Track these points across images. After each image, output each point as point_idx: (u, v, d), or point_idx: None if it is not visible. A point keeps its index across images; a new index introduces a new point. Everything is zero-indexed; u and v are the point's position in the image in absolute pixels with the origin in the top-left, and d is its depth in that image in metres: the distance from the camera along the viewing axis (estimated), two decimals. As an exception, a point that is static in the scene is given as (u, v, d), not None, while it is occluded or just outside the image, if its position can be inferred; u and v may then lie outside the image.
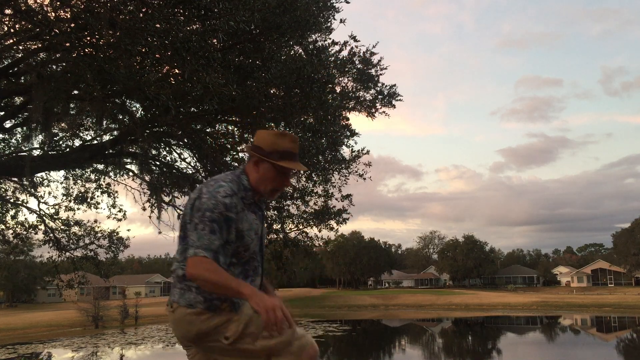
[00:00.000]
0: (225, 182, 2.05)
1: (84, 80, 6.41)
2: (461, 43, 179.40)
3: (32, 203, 12.61)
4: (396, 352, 25.01)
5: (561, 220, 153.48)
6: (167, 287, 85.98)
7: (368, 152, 10.23)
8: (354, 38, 8.96)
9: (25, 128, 9.62)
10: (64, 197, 12.36)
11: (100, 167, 11.64)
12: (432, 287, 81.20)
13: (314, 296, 64.15)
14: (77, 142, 10.75)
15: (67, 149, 10.64)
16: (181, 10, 5.89)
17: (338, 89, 9.19)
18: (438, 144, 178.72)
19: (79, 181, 12.25)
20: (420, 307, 53.79)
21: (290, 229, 11.17)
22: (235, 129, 9.99)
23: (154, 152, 10.21)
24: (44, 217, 12.28)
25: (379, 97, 9.68)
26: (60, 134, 10.64)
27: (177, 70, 6.73)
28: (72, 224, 12.49)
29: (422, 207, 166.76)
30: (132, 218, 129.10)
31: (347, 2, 8.37)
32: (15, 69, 7.58)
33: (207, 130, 9.83)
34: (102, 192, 12.34)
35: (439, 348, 26.33)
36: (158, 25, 5.61)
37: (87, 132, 10.66)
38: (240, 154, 10.39)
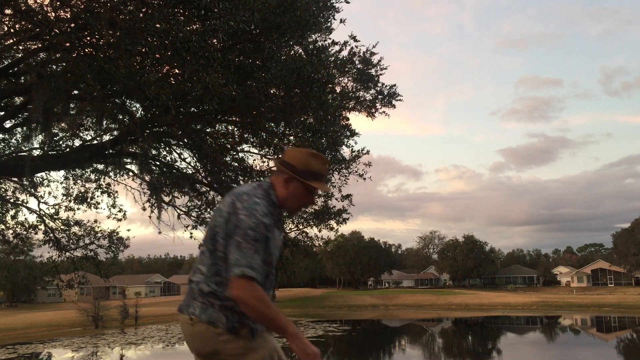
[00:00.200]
0: (259, 199, 2.03)
1: (84, 80, 6.41)
2: (461, 43, 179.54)
3: (32, 203, 12.62)
4: (396, 352, 25.01)
5: (561, 220, 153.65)
6: (167, 287, 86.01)
7: (368, 152, 10.24)
8: (354, 38, 8.97)
9: (25, 128, 9.62)
10: (64, 197, 12.36)
11: (100, 167, 11.63)
12: (432, 287, 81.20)
13: (314, 296, 64.16)
14: (77, 142, 10.76)
15: (67, 149, 10.64)
16: (181, 10, 5.88)
17: (338, 89, 9.19)
18: (438, 144, 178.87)
19: (79, 181, 12.25)
20: (420, 307, 53.79)
21: (290, 229, 11.18)
22: (235, 129, 9.99)
23: (154, 152, 10.21)
24: (44, 217, 12.28)
25: (379, 97, 9.68)
26: (60, 134, 10.64)
27: (177, 70, 6.73)
28: (72, 224, 12.49)
29: (422, 207, 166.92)
30: (132, 218, 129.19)
31: (347, 2, 8.37)
32: (15, 69, 7.58)
33: (207, 130, 9.83)
34: (102, 192, 12.33)
35: (439, 348, 26.32)
36: (158, 25, 5.61)
37: (87, 132, 10.66)
38: (240, 154, 10.40)
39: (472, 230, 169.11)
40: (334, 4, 8.33)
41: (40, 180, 11.96)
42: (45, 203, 12.24)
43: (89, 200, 12.33)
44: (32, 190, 11.79)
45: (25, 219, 13.03)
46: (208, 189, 10.83)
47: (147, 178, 10.55)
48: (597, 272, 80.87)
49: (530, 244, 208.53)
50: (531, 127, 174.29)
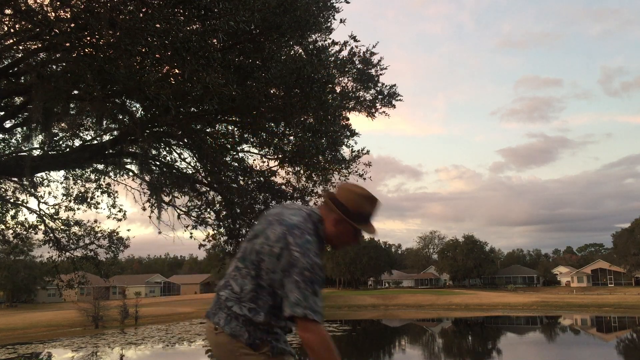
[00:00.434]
0: (310, 237, 2.03)
1: (84, 80, 6.40)
2: (461, 43, 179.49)
3: (32, 203, 12.59)
4: (396, 352, 25.02)
5: (561, 220, 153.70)
6: (167, 287, 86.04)
7: (368, 152, 10.22)
8: (354, 38, 8.96)
9: (25, 128, 9.62)
10: (64, 197, 12.36)
11: (100, 167, 11.63)
12: (432, 287, 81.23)
13: (314, 296, 63.96)
14: (77, 142, 10.75)
15: (67, 149, 10.64)
16: (181, 10, 5.88)
17: (338, 89, 9.18)
18: (438, 144, 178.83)
19: (79, 181, 12.24)
20: (420, 307, 53.80)
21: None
22: (235, 129, 9.98)
23: (154, 152, 10.20)
24: (44, 217, 12.28)
25: (379, 97, 9.67)
26: (60, 134, 10.64)
27: (177, 70, 6.73)
28: (72, 224, 12.48)
29: (422, 207, 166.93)
30: (132, 218, 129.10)
31: (347, 2, 8.36)
32: (15, 69, 7.58)
33: (207, 130, 9.83)
34: (102, 192, 12.32)
35: (439, 348, 26.33)
36: (158, 25, 5.61)
37: (87, 132, 10.65)
38: (240, 154, 10.40)
39: (472, 230, 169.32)
40: (334, 4, 8.32)
41: (40, 180, 11.96)
42: (45, 203, 12.25)
43: (89, 200, 12.32)
44: (32, 190, 11.79)
45: (25, 219, 13.02)
46: (208, 189, 10.83)
47: (147, 178, 10.55)
48: (597, 272, 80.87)
49: (530, 244, 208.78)
50: (531, 127, 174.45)
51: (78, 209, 12.43)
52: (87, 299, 39.93)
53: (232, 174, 10.22)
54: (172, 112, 6.93)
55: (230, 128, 10.08)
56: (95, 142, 10.27)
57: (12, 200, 12.18)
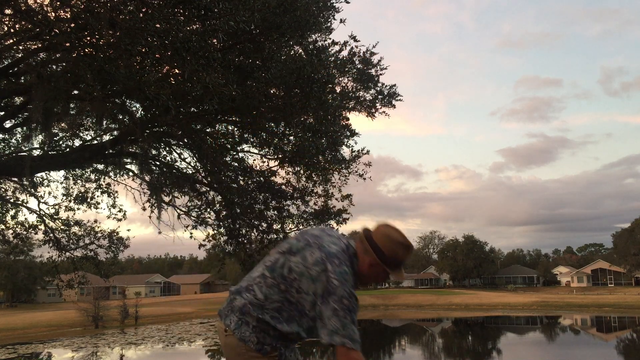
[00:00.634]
0: (347, 269, 2.09)
1: (84, 80, 6.41)
2: (461, 43, 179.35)
3: (32, 203, 12.59)
4: (396, 352, 25.02)
5: (561, 220, 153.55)
6: (167, 287, 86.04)
7: (368, 152, 10.23)
8: (354, 38, 8.96)
9: (25, 128, 9.62)
10: (64, 197, 12.35)
11: (100, 167, 11.63)
12: (432, 287, 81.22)
13: (314, 296, 64.00)
14: (77, 142, 10.75)
15: (67, 149, 10.64)
16: (181, 10, 5.88)
17: (338, 89, 9.18)
18: (438, 144, 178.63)
19: (79, 181, 12.24)
20: (420, 307, 53.81)
21: (290, 229, 11.17)
22: (235, 129, 9.99)
23: (154, 152, 10.21)
24: (44, 217, 12.27)
25: (379, 97, 9.67)
26: (60, 134, 10.64)
27: (177, 70, 6.73)
28: (72, 224, 12.48)
29: (422, 207, 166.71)
30: (132, 218, 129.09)
31: (347, 2, 8.36)
32: (15, 69, 7.58)
33: (207, 130, 9.83)
34: (102, 192, 12.32)
35: (439, 348, 26.34)
36: (158, 25, 5.61)
37: (87, 132, 10.65)
38: (240, 154, 10.41)
39: (472, 230, 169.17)
40: (334, 4, 8.32)
41: (40, 180, 11.96)
42: (45, 203, 12.25)
43: (89, 200, 12.32)
44: (32, 190, 11.80)
45: (25, 219, 13.03)
46: (208, 189, 10.84)
47: (147, 178, 10.55)
48: (597, 272, 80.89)
49: (530, 244, 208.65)
50: (531, 127, 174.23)
51: (78, 209, 12.43)
52: (87, 299, 39.94)
53: (232, 174, 10.22)
54: (172, 112, 6.93)
55: (230, 128, 10.08)
56: (95, 142, 10.28)
57: (12, 200, 12.18)
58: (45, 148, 10.35)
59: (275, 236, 10.81)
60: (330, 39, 8.70)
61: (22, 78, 7.85)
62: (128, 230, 48.83)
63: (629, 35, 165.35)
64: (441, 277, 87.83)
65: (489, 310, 47.55)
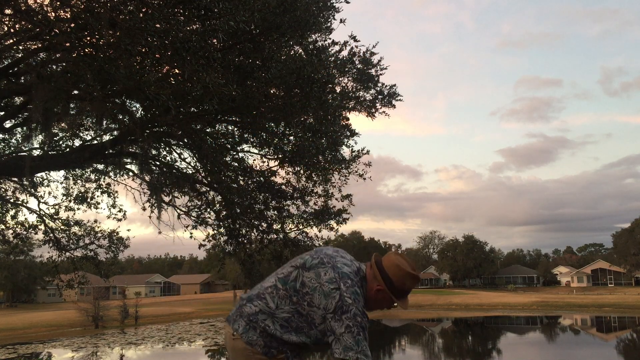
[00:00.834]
0: (358, 289, 2.16)
1: (84, 80, 6.41)
2: (461, 43, 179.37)
3: (32, 203, 12.59)
4: (396, 352, 25.01)
5: (561, 220, 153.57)
6: (167, 287, 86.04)
7: (368, 152, 10.23)
8: (354, 38, 8.95)
9: (25, 128, 9.62)
10: (64, 197, 12.36)
11: (100, 167, 11.63)
12: (432, 287, 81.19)
13: (314, 296, 63.98)
14: (77, 142, 10.75)
15: (67, 149, 10.64)
16: (181, 10, 5.88)
17: (338, 89, 9.18)
18: (438, 144, 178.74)
19: (79, 181, 12.24)
20: (420, 307, 53.78)
21: (290, 229, 11.17)
22: (235, 129, 9.99)
23: (154, 152, 10.21)
24: (44, 217, 12.27)
25: (379, 97, 9.67)
26: (60, 134, 10.64)
27: (177, 70, 6.73)
28: (72, 224, 12.48)
29: (422, 207, 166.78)
30: (132, 218, 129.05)
31: (347, 2, 8.36)
32: (15, 69, 7.58)
33: (207, 130, 9.83)
34: (102, 192, 12.33)
35: (439, 348, 26.33)
36: (158, 25, 5.61)
37: (87, 132, 10.65)
38: (240, 154, 10.40)
39: (472, 230, 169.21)
40: (334, 4, 8.32)
41: (40, 180, 11.96)
42: (45, 203, 12.25)
43: (89, 200, 12.32)
44: (32, 190, 11.80)
45: (25, 219, 13.02)
46: (208, 189, 10.84)
47: (147, 178, 10.55)
48: (597, 272, 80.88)
49: (530, 244, 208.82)
50: (531, 127, 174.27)
51: (78, 209, 12.43)
52: (87, 299, 39.95)
53: (232, 174, 10.22)
54: (172, 112, 6.94)
55: (230, 128, 10.09)
56: (95, 142, 10.28)
57: (12, 200, 12.18)
58: (45, 148, 10.35)
59: (275, 236, 10.82)
60: (330, 39, 8.70)
61: (22, 78, 7.85)
62: (128, 230, 48.83)
63: (629, 35, 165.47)
64: (441, 277, 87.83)
65: (489, 310, 47.55)
